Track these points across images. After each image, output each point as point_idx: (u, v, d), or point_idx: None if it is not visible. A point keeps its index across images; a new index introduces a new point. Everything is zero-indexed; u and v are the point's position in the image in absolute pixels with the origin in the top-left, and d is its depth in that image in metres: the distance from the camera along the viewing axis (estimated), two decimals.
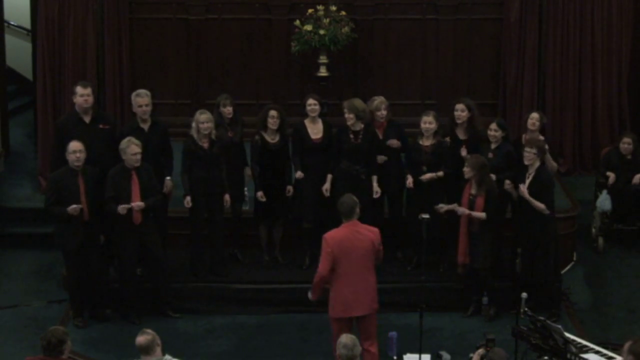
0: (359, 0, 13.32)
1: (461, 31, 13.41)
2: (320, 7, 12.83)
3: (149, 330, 7.78)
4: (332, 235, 9.25)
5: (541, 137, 11.25)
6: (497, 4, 13.30)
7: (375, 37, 13.44)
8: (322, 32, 12.65)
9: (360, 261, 9.17)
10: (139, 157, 10.39)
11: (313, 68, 13.05)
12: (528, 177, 10.58)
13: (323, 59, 12.92)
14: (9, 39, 14.52)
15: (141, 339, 7.67)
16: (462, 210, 10.52)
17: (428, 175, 10.91)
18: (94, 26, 12.70)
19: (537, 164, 10.58)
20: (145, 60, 13.43)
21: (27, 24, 14.61)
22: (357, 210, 9.27)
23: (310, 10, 12.86)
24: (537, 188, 10.51)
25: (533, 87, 13.04)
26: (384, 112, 11.12)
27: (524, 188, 10.47)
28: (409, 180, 10.97)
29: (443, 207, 10.70)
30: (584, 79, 13.20)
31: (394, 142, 11.08)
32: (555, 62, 13.08)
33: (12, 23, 15.04)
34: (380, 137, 11.14)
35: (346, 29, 12.78)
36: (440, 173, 10.94)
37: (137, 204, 10.34)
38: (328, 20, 12.71)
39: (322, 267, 9.23)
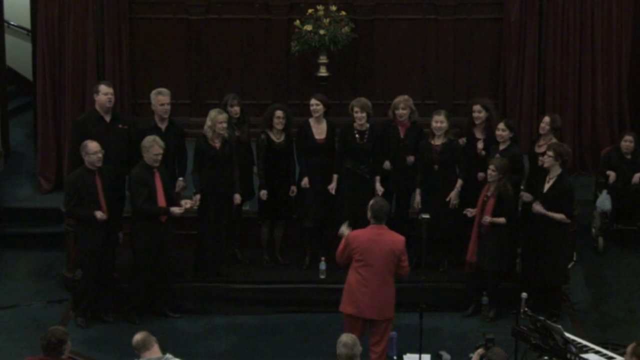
0: (359, 0, 13.32)
1: (461, 31, 13.41)
2: (320, 7, 12.83)
3: (143, 331, 7.82)
4: (355, 234, 9.23)
5: (554, 140, 11.18)
6: (497, 4, 13.31)
7: (375, 37, 13.44)
8: (322, 32, 12.65)
9: (378, 265, 9.12)
10: (159, 158, 10.44)
11: (313, 68, 13.05)
12: (548, 182, 10.54)
13: (323, 59, 12.92)
14: (9, 39, 14.53)
15: (137, 336, 7.68)
16: (487, 218, 10.51)
17: (454, 195, 10.91)
18: (94, 26, 12.71)
19: (559, 170, 10.51)
20: (145, 60, 13.42)
21: (27, 24, 14.61)
22: (388, 214, 9.29)
23: (310, 10, 12.86)
24: (556, 194, 10.46)
25: (533, 87, 13.05)
26: (402, 112, 11.08)
27: (538, 206, 10.47)
28: (417, 200, 11.02)
29: (471, 211, 10.71)
30: (584, 79, 13.20)
31: (411, 159, 11.08)
32: (555, 62, 13.08)
33: (12, 23, 15.04)
34: (402, 136, 11.14)
35: (346, 29, 12.78)
36: (459, 183, 10.94)
37: (187, 204, 10.55)
38: (328, 20, 12.72)
39: (338, 254, 9.30)
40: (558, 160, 10.48)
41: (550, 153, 10.49)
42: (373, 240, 9.12)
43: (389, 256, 9.12)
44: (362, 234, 9.21)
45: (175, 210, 10.48)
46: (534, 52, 13.00)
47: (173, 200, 10.62)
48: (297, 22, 12.85)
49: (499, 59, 13.35)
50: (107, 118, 10.93)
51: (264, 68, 13.50)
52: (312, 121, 11.16)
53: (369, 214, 9.21)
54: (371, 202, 9.29)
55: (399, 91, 13.08)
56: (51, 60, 12.85)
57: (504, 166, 10.48)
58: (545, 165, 10.53)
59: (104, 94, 10.86)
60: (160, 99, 10.94)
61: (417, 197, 11.04)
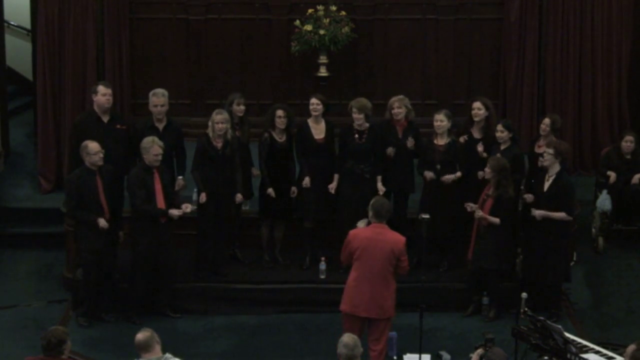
0: (359, 0, 13.32)
1: (461, 31, 13.41)
2: (320, 7, 12.83)
3: (147, 328, 7.78)
4: (355, 232, 9.31)
5: (554, 139, 11.16)
6: (497, 4, 13.31)
7: (375, 37, 13.44)
8: (322, 32, 12.65)
9: (376, 264, 9.15)
10: (160, 158, 10.45)
11: (313, 68, 13.05)
12: (547, 180, 10.55)
13: (323, 59, 12.92)
14: (9, 39, 14.52)
15: (139, 336, 7.65)
16: (480, 214, 10.53)
17: (449, 176, 10.91)
18: (94, 26, 12.69)
19: (557, 167, 10.52)
20: (145, 60, 13.42)
21: (27, 24, 14.61)
22: (389, 213, 9.30)
23: (310, 10, 12.86)
24: (556, 192, 10.46)
25: (533, 87, 13.04)
26: (398, 110, 11.09)
27: (539, 213, 10.46)
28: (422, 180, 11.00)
29: (472, 206, 10.71)
30: (584, 79, 13.20)
31: (410, 142, 11.07)
32: (555, 62, 13.08)
33: (12, 23, 15.04)
34: (400, 136, 11.13)
35: (346, 29, 12.78)
36: (458, 174, 10.94)
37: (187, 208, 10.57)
38: (328, 20, 12.72)
39: (342, 257, 9.43)
40: (558, 158, 10.50)
41: (550, 151, 10.50)
42: (373, 239, 9.14)
43: (388, 256, 9.14)
44: (362, 232, 9.26)
45: (174, 212, 10.48)
46: (534, 52, 12.99)
47: (173, 201, 10.62)
48: (297, 22, 12.85)
49: (499, 59, 13.35)
50: (105, 119, 10.93)
51: (264, 68, 13.49)
52: (310, 121, 11.17)
53: (370, 212, 9.25)
54: (372, 200, 9.33)
55: (399, 91, 13.10)
56: (51, 60, 12.85)
57: (500, 166, 10.48)
58: (545, 163, 10.54)
59: (103, 94, 10.87)
60: (154, 100, 10.96)
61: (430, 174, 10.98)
